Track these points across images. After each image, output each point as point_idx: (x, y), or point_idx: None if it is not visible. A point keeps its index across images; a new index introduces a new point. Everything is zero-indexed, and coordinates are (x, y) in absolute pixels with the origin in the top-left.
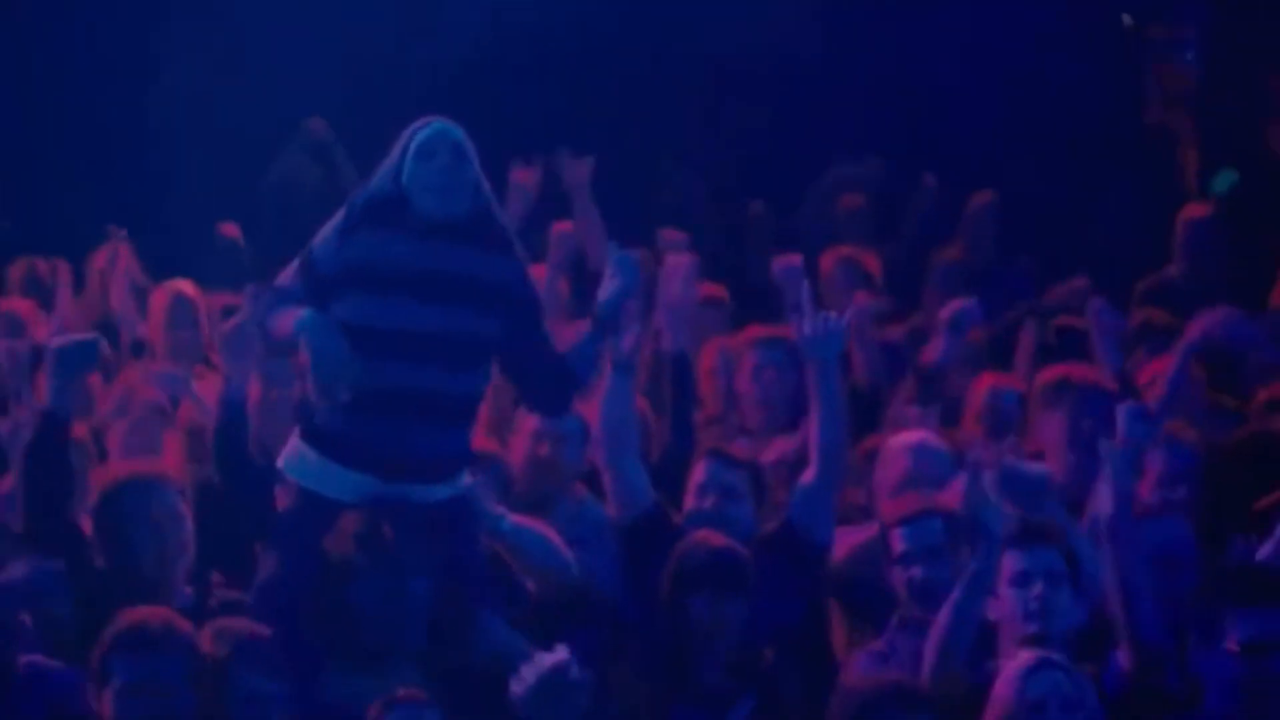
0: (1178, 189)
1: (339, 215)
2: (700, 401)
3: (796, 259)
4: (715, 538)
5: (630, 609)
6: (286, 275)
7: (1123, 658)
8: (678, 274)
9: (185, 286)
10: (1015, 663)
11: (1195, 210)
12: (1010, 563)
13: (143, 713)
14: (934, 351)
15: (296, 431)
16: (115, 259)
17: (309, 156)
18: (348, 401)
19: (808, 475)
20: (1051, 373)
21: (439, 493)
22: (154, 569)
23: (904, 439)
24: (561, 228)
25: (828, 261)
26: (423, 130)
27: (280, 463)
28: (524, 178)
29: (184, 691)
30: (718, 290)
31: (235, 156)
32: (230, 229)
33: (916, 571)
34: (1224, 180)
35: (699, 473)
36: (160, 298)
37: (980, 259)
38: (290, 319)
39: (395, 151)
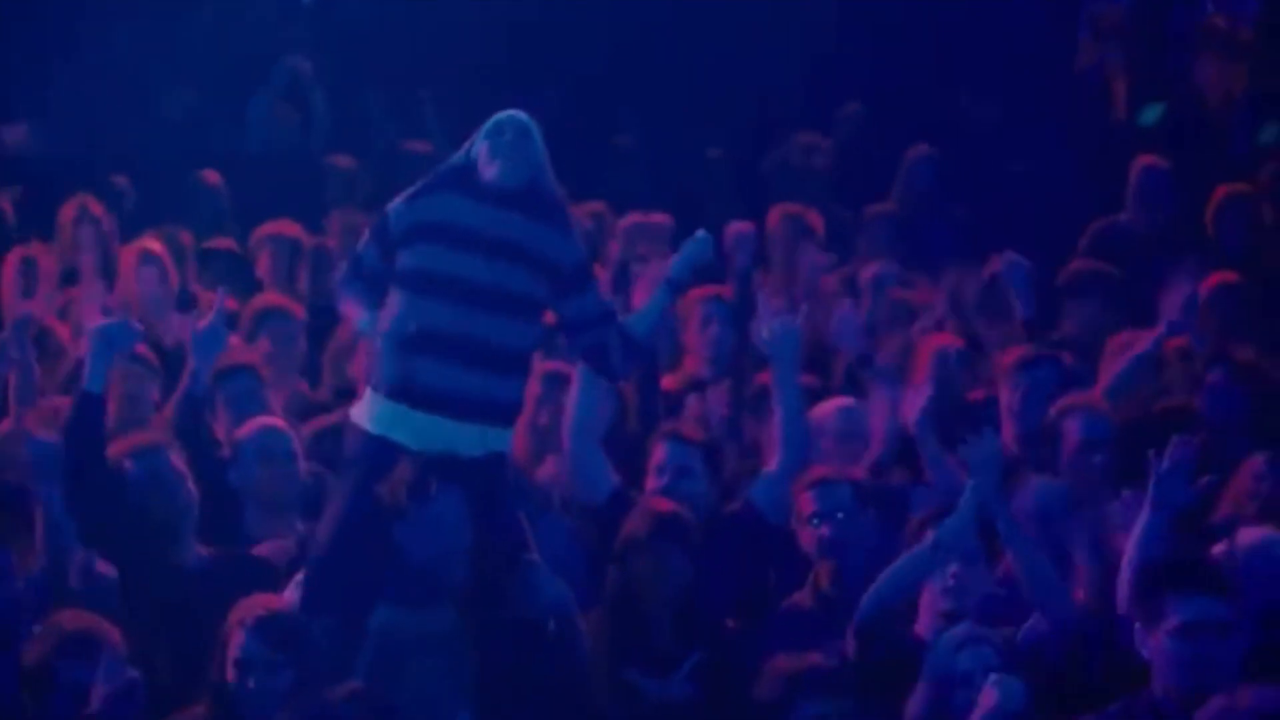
0: (1112, 135)
1: (415, 186)
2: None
3: (748, 226)
4: (661, 502)
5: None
6: (361, 247)
7: (1036, 621)
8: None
9: (152, 244)
10: (946, 637)
11: (1148, 159)
12: (931, 539)
13: None
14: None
15: (368, 392)
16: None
17: (285, 96)
18: (406, 343)
19: (771, 463)
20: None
21: (488, 442)
22: (165, 530)
23: (833, 404)
24: None
25: (774, 218)
26: (498, 116)
27: (351, 414)
28: None
29: None
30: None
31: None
32: (211, 175)
33: (824, 530)
34: (1151, 112)
35: (657, 453)
36: (129, 256)
37: (912, 210)
38: (357, 313)
39: (474, 137)
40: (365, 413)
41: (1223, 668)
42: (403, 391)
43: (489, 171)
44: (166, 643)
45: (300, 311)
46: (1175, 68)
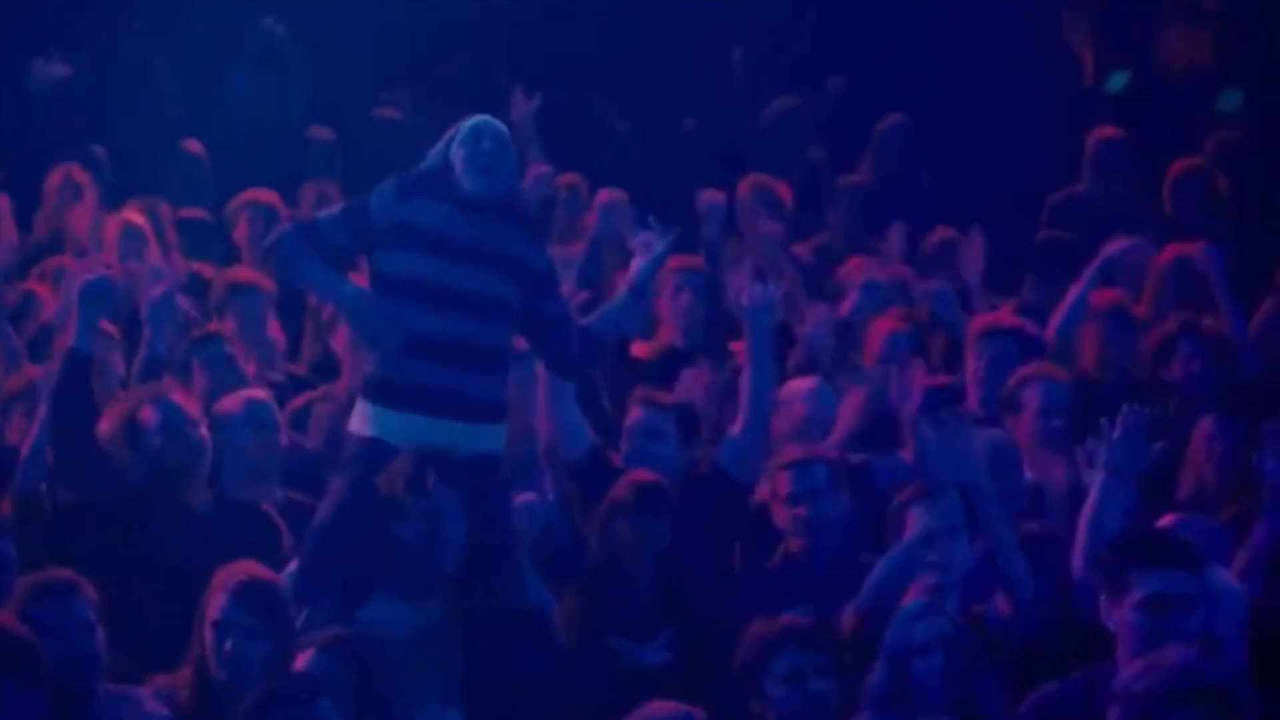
0: (1083, 105)
1: (392, 180)
2: None
3: (720, 195)
4: (643, 474)
5: (568, 543)
6: (327, 218)
7: (1002, 603)
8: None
9: (134, 216)
10: (904, 608)
11: (1105, 130)
12: (914, 517)
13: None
14: (847, 305)
15: (360, 404)
16: (79, 190)
17: (261, 63)
18: (395, 350)
19: (737, 425)
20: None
21: (480, 440)
22: (177, 474)
23: (801, 384)
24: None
25: (743, 188)
26: (471, 120)
27: (350, 426)
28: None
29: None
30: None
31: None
32: (193, 144)
33: (801, 510)
34: (1117, 80)
35: (631, 416)
36: (113, 226)
37: (883, 180)
38: (330, 284)
39: (446, 137)
40: (360, 419)
41: (1185, 640)
42: (394, 396)
43: (469, 181)
44: (166, 587)
45: (269, 285)
46: (1140, 36)
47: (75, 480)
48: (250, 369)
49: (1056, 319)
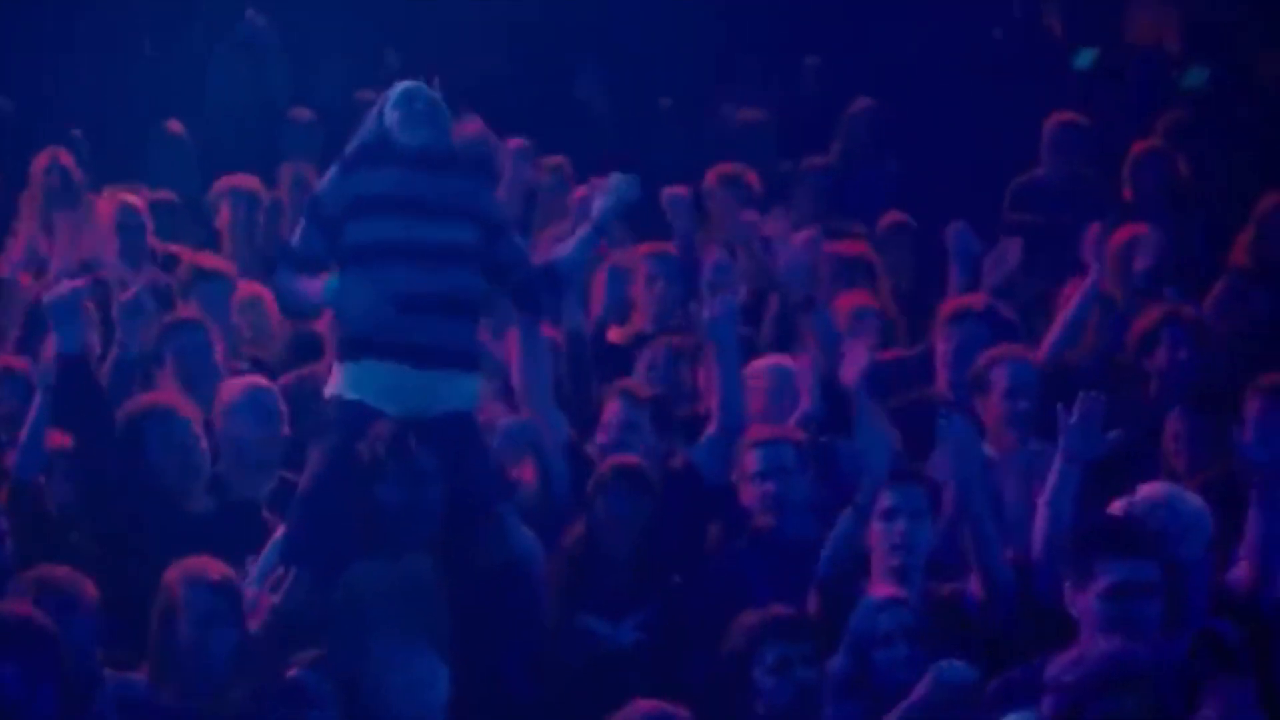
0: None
1: (334, 166)
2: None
3: (684, 190)
4: (626, 457)
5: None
6: (297, 234)
7: (975, 586)
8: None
9: (131, 198)
10: (869, 598)
11: (1063, 114)
12: (881, 499)
13: None
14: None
15: (337, 365)
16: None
17: (242, 51)
18: (375, 312)
19: (711, 427)
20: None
21: (456, 393)
22: (177, 483)
23: (765, 363)
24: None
25: (712, 178)
26: (398, 87)
27: (326, 391)
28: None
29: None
30: None
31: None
32: (175, 125)
33: (769, 488)
34: (1085, 57)
35: (609, 409)
36: (106, 209)
37: (850, 163)
38: (305, 288)
39: (375, 109)
40: (337, 381)
41: (1147, 627)
42: (369, 348)
43: (413, 137)
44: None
45: (234, 271)
46: (1109, 12)
47: (82, 476)
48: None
49: (1049, 342)
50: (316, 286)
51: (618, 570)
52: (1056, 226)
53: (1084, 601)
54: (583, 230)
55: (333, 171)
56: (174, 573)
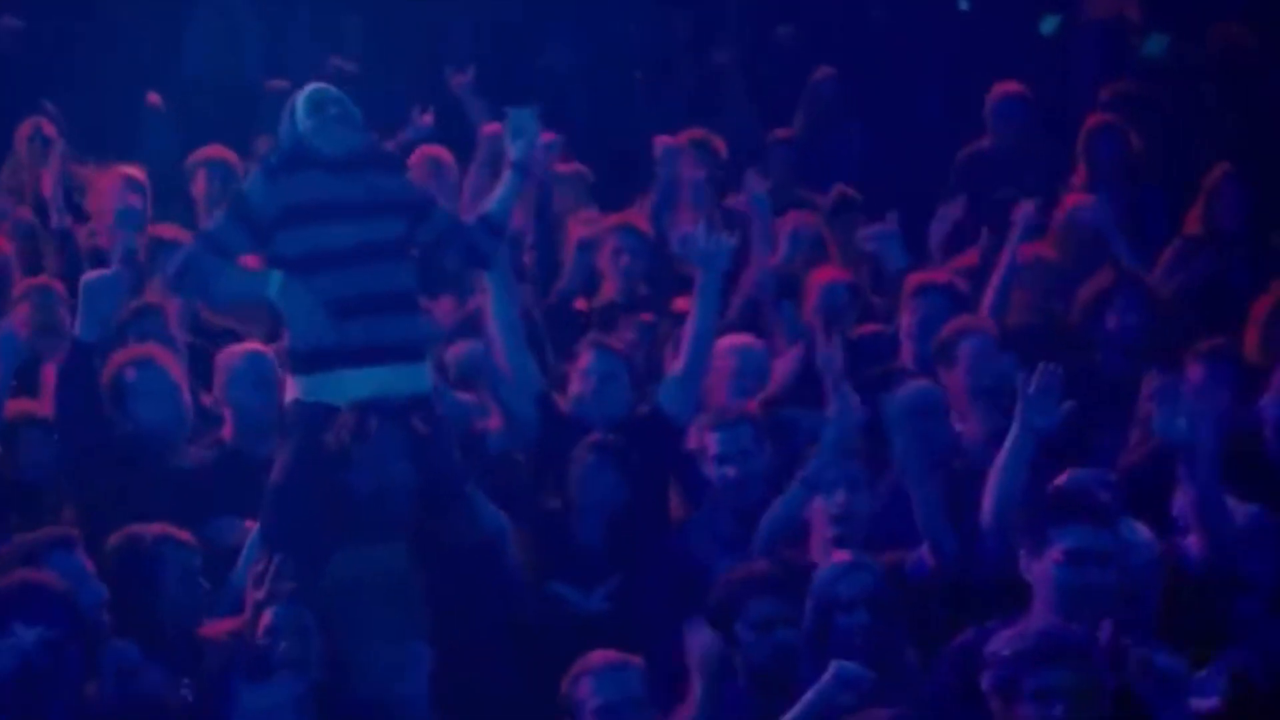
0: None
1: (256, 171)
2: None
3: (671, 140)
4: (600, 434)
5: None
6: (219, 225)
7: (925, 554)
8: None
9: (134, 171)
10: (831, 563)
11: (1006, 85)
12: (820, 471)
13: None
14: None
15: (290, 379)
16: (48, 147)
17: (217, 23)
18: (322, 321)
19: (676, 365)
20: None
21: (410, 381)
22: (159, 436)
23: (729, 341)
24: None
25: (680, 141)
26: (305, 92)
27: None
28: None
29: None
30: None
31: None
32: (154, 98)
33: (729, 471)
34: (1048, 24)
35: (583, 359)
36: (109, 180)
37: (815, 132)
38: (257, 284)
39: (286, 114)
40: (295, 389)
41: (1101, 594)
42: (317, 359)
43: (327, 144)
44: None
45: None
46: None
47: (81, 465)
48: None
49: (989, 296)
50: (264, 280)
51: (592, 542)
52: (1000, 198)
53: (1039, 568)
54: (507, 175)
55: (257, 175)
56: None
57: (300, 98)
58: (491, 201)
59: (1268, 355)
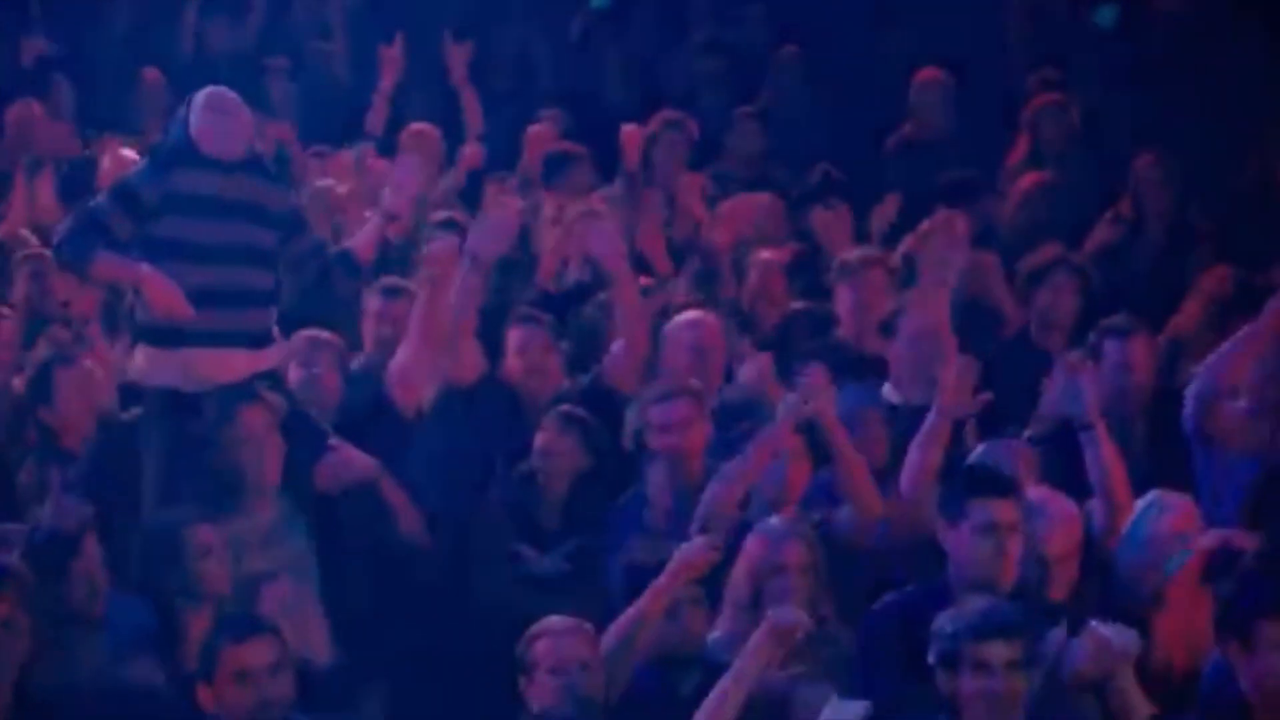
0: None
1: (146, 159)
2: None
3: (635, 129)
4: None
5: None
6: (100, 209)
7: (846, 514)
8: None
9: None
10: (765, 526)
11: (926, 71)
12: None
13: None
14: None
15: (140, 346)
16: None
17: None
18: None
19: (618, 344)
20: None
21: (258, 361)
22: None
23: (686, 317)
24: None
25: (655, 124)
26: (203, 93)
27: (130, 375)
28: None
29: None
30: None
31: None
32: (152, 74)
33: (671, 440)
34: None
35: (513, 338)
36: (117, 157)
37: (781, 110)
38: (125, 267)
39: (184, 108)
40: (138, 366)
41: (1010, 562)
42: (167, 336)
43: (215, 149)
44: None
45: None
46: None
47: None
48: None
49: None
50: (136, 265)
51: (551, 505)
52: (929, 183)
53: (956, 537)
54: (375, 219)
55: (145, 165)
56: None
57: (200, 96)
58: (359, 238)
59: (1204, 330)
